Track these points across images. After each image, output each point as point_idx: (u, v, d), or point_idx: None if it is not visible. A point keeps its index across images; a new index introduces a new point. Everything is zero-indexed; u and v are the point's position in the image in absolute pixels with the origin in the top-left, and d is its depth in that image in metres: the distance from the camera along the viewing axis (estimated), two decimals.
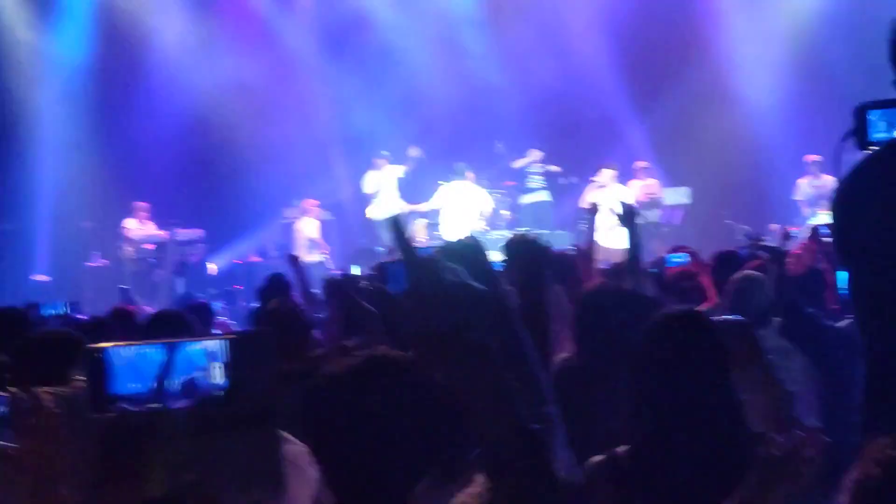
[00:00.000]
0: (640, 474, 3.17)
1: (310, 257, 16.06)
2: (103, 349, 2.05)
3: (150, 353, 2.04)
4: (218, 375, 2.03)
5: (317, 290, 8.21)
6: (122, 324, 6.29)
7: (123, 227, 17.02)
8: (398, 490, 2.23)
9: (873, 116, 3.17)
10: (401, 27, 19.41)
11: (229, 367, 2.03)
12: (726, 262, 7.44)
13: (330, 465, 2.24)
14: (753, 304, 5.87)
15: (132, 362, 2.03)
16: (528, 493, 2.22)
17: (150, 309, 10.51)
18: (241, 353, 2.03)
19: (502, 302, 2.48)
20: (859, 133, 3.17)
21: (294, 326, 5.48)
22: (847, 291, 4.72)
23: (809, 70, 17.91)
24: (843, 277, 5.07)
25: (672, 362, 3.23)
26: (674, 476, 3.11)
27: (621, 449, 3.27)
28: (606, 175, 17.14)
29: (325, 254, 17.50)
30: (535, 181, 18.28)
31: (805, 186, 16.90)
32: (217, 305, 12.33)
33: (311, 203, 17.82)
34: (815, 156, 16.48)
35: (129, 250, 16.82)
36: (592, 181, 17.06)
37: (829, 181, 16.01)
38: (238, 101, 18.40)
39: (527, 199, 18.34)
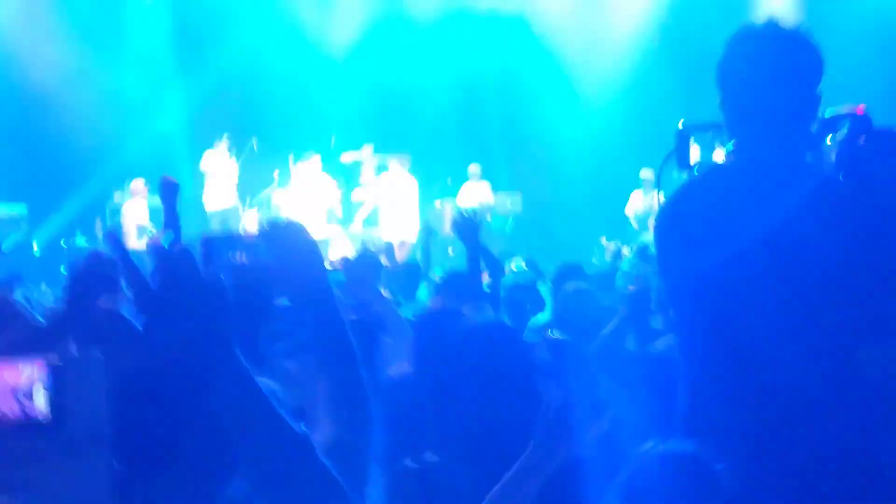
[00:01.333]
0: (446, 477, 3.24)
1: (138, 244, 15.66)
2: None
3: None
4: (41, 400, 1.93)
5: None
6: None
7: None
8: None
9: (694, 139, 3.27)
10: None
11: (54, 396, 1.92)
12: (569, 272, 7.54)
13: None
14: (585, 317, 5.93)
15: None
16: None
17: None
18: (65, 378, 1.93)
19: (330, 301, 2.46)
20: (680, 154, 3.27)
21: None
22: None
23: (653, 79, 18.35)
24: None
25: (477, 367, 3.31)
26: (475, 480, 3.19)
27: (430, 455, 3.35)
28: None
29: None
30: (367, 178, 18.05)
31: (637, 201, 17.29)
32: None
33: (139, 184, 17.00)
34: (649, 170, 16.65)
35: None
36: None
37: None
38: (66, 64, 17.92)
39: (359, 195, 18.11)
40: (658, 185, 3.32)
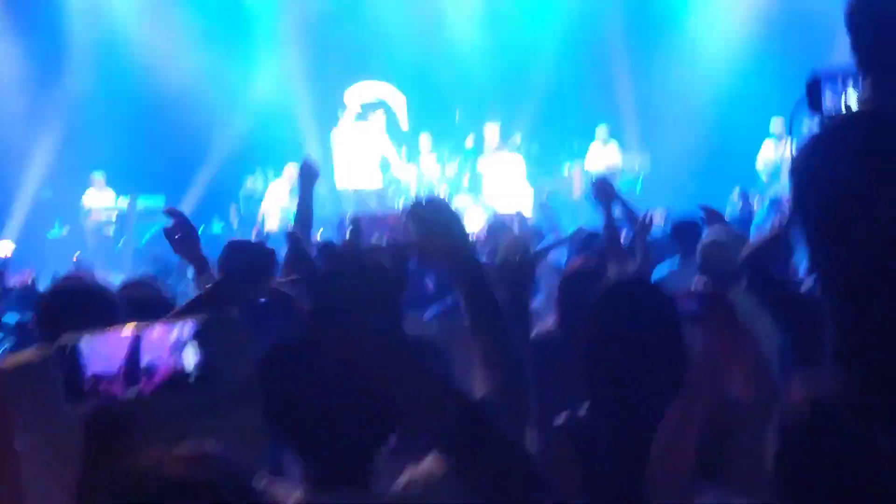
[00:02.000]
0: (598, 431, 3.26)
1: (277, 225, 16.01)
2: (75, 342, 2.02)
3: (122, 338, 2.01)
4: (191, 358, 2.00)
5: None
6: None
7: (83, 200, 16.90)
8: (359, 455, 2.29)
9: (825, 83, 3.22)
10: None
11: (202, 350, 1.99)
12: (687, 229, 7.54)
13: (284, 434, 2.30)
14: (722, 268, 5.89)
15: (102, 349, 2.01)
16: (483, 465, 2.15)
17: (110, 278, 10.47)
18: (213, 336, 2.00)
19: (478, 269, 2.51)
20: (811, 101, 3.22)
21: None
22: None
23: (777, 29, 17.99)
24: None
25: (619, 326, 3.31)
26: (627, 433, 3.20)
27: (582, 409, 3.35)
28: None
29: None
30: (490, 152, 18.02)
31: (768, 152, 17.01)
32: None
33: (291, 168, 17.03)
34: (780, 119, 16.45)
35: (90, 220, 16.70)
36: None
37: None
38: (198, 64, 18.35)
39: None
40: (790, 132, 3.24)
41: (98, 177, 17.05)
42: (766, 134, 16.99)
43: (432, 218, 2.50)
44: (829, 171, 2.96)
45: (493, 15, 19.43)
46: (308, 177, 5.96)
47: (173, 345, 2.00)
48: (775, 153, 16.74)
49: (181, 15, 18.65)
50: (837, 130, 3.04)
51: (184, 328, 2.00)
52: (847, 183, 2.91)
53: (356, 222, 2.47)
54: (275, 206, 16.86)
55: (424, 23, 19.13)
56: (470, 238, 2.59)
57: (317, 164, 6.08)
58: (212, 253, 14.48)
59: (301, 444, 2.31)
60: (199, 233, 14.73)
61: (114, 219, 16.82)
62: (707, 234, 6.30)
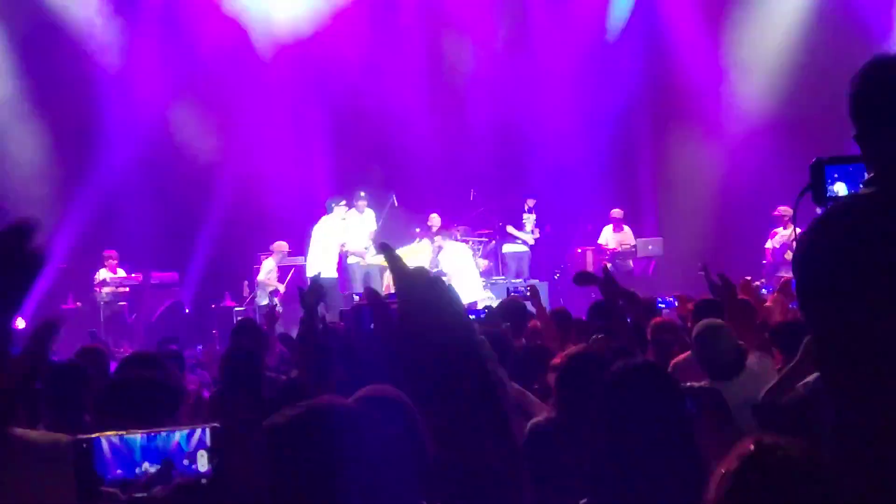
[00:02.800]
0: None
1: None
2: (92, 439, 2.00)
3: (136, 439, 2.00)
4: (203, 463, 1.98)
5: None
6: (92, 363, 6.27)
7: (97, 275, 17.00)
8: None
9: (830, 171, 3.24)
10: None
11: (214, 456, 1.98)
12: (707, 309, 7.48)
13: None
14: (718, 354, 5.91)
15: (118, 448, 2.00)
16: None
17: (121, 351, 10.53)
18: (226, 442, 1.98)
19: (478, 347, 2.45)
20: (816, 188, 3.24)
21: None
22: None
23: (787, 123, 18.10)
24: None
25: (630, 412, 3.29)
26: None
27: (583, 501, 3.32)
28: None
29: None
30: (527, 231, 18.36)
31: (775, 238, 17.07)
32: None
33: (279, 245, 17.44)
34: (785, 207, 16.59)
35: (103, 293, 16.77)
36: None
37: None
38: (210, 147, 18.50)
39: (508, 248, 18.43)
40: (794, 219, 3.26)
41: (110, 255, 17.15)
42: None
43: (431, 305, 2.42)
44: (827, 256, 2.96)
45: (502, 93, 19.52)
46: (315, 294, 6.07)
47: (186, 448, 1.99)
48: (780, 240, 16.82)
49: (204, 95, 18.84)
50: (836, 215, 3.05)
51: (198, 433, 1.99)
52: (843, 267, 2.91)
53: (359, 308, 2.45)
54: (265, 281, 17.03)
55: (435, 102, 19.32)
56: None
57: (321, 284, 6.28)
58: (223, 328, 14.37)
59: None
60: (212, 308, 14.67)
61: (126, 291, 16.86)
62: (701, 322, 6.24)
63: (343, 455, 2.16)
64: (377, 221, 17.35)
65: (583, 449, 4.11)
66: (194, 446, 1.99)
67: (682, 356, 6.76)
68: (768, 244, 17.22)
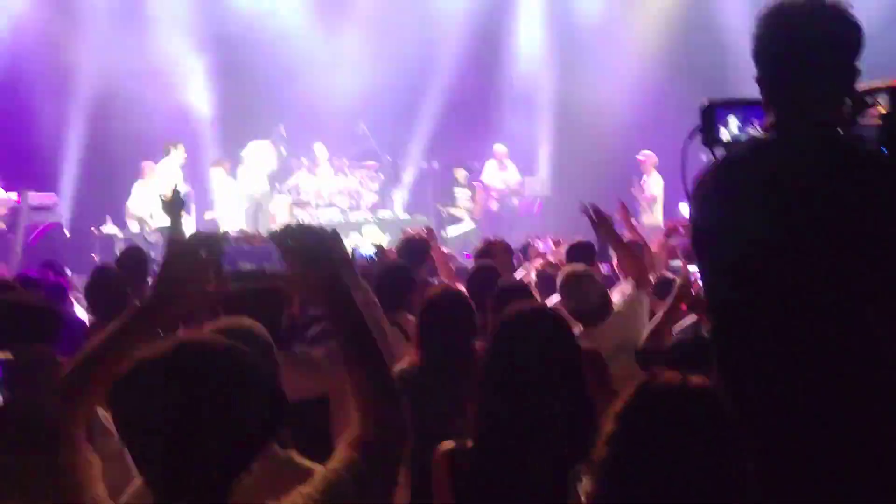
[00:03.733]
0: (481, 467, 3.22)
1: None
2: None
3: None
4: None
5: None
6: None
7: None
8: (212, 484, 2.12)
9: (720, 114, 3.25)
10: None
11: (6, 387, 1.89)
12: (581, 251, 7.61)
13: (137, 456, 2.14)
14: (583, 300, 5.98)
15: None
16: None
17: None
18: (17, 374, 1.90)
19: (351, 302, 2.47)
20: (707, 131, 3.24)
21: None
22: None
23: (676, 67, 18.32)
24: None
25: (519, 357, 3.29)
26: (513, 472, 3.17)
27: (468, 444, 3.32)
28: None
29: None
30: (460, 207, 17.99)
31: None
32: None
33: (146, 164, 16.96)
34: (648, 152, 16.94)
35: None
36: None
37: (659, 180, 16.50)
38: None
39: (452, 231, 17.93)
40: (683, 161, 3.26)
41: None
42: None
43: (303, 248, 2.44)
44: (729, 200, 2.98)
45: (390, 23, 19.32)
46: (175, 205, 5.99)
47: None
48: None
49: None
50: (738, 159, 3.06)
51: None
52: (746, 211, 2.93)
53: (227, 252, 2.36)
54: (136, 208, 16.63)
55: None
56: (343, 264, 2.54)
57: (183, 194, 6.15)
58: (104, 253, 14.08)
59: (152, 473, 2.14)
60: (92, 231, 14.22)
61: (3, 212, 16.33)
62: (563, 270, 6.40)
63: (210, 394, 2.09)
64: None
65: (455, 392, 4.14)
66: None
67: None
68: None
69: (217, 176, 17.09)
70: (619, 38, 19.56)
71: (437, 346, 4.61)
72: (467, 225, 17.89)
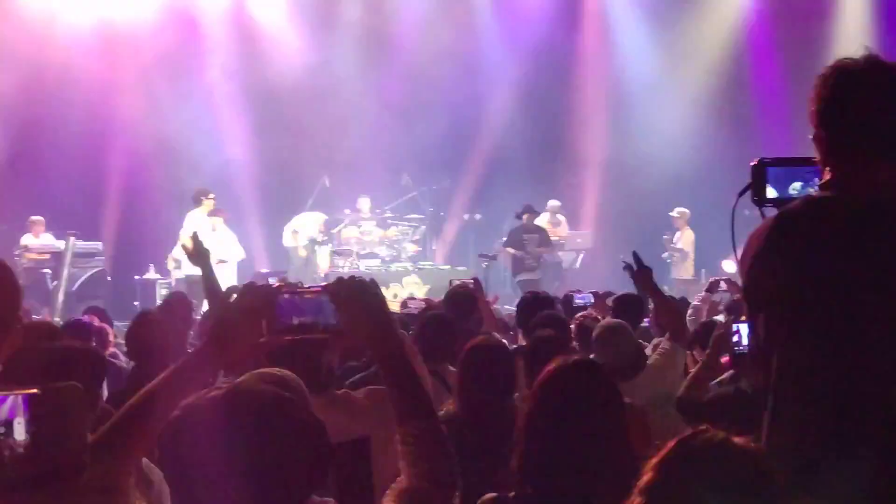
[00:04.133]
0: None
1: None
2: None
3: None
4: (20, 431, 1.89)
5: None
6: None
7: (22, 239, 16.67)
8: None
9: (771, 173, 3.22)
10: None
11: (31, 423, 1.89)
12: (629, 304, 7.56)
13: (187, 500, 2.16)
14: (618, 355, 5.94)
15: None
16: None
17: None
18: (45, 408, 1.89)
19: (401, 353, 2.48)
20: (757, 189, 3.22)
21: None
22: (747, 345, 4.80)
23: (723, 122, 18.33)
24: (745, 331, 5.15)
25: (564, 408, 3.27)
26: None
27: (511, 494, 3.28)
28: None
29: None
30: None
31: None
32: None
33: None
34: (682, 209, 17.00)
35: (25, 258, 16.42)
36: None
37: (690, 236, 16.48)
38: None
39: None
40: (732, 219, 3.23)
41: (37, 220, 16.81)
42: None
43: (355, 299, 2.44)
44: (783, 260, 2.94)
45: (439, 75, 19.37)
46: (200, 254, 5.91)
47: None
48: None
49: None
50: (792, 217, 3.02)
51: (13, 399, 1.89)
52: (801, 272, 2.90)
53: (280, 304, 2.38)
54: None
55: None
56: (391, 318, 2.54)
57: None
58: (146, 299, 14.23)
59: None
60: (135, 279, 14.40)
61: (48, 258, 16.50)
62: (600, 324, 6.40)
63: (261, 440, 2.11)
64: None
65: (493, 444, 4.12)
66: (9, 414, 1.88)
67: None
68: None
69: (213, 223, 16.80)
70: (668, 93, 19.56)
71: (476, 396, 4.59)
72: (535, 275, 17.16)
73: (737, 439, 2.21)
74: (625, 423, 3.37)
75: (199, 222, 16.08)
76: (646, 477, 2.20)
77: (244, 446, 2.09)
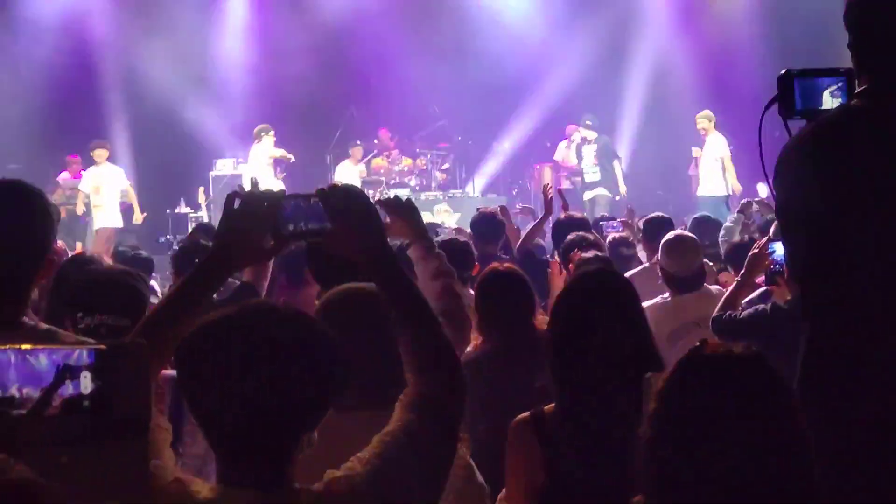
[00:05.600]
0: (566, 431, 3.20)
1: None
2: None
3: (10, 358, 1.86)
4: (87, 384, 1.90)
5: None
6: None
7: (58, 180, 16.82)
8: (276, 445, 2.16)
9: (799, 84, 3.17)
10: None
11: (98, 377, 1.90)
12: (657, 225, 7.58)
13: (201, 417, 2.17)
14: (685, 265, 5.93)
15: None
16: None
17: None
18: (111, 363, 1.91)
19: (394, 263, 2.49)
20: (785, 101, 3.17)
21: None
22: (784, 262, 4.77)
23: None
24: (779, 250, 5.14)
25: (587, 316, 3.27)
26: (598, 433, 3.14)
27: (547, 407, 3.30)
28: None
29: None
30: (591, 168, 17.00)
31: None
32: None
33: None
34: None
35: (57, 194, 16.49)
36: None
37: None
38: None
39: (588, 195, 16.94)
40: (759, 133, 3.18)
41: (74, 160, 16.92)
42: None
43: (346, 206, 2.43)
44: (821, 171, 2.90)
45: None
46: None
47: (70, 370, 1.90)
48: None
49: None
50: (828, 128, 2.97)
51: (81, 353, 1.90)
52: (841, 182, 2.86)
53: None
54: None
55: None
56: (379, 221, 2.51)
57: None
58: (178, 232, 14.28)
59: (214, 434, 2.17)
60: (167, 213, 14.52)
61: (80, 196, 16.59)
62: (673, 232, 6.42)
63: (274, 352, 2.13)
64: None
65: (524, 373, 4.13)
66: (77, 365, 1.89)
67: (636, 269, 7.15)
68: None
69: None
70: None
71: (495, 324, 4.58)
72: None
73: (737, 348, 2.21)
74: (646, 326, 3.39)
75: (260, 157, 16.40)
76: (660, 384, 2.21)
77: (254, 358, 2.11)
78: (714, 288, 6.08)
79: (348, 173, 16.84)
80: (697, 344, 2.25)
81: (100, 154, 15.87)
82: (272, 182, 15.67)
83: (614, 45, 18.66)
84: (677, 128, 17.33)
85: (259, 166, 15.95)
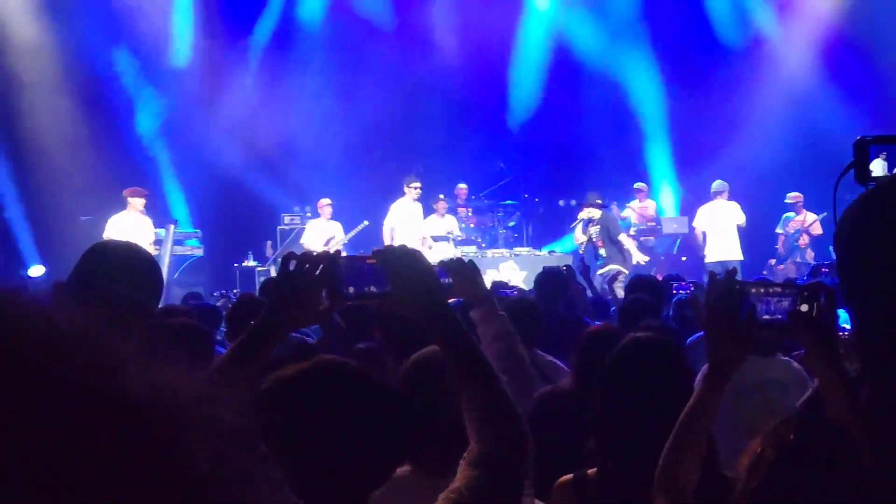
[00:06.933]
0: (606, 495, 3.19)
1: None
2: None
3: None
4: None
5: None
6: None
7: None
8: (356, 490, 2.22)
9: (875, 151, 3.13)
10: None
11: None
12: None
13: (287, 468, 2.19)
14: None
15: None
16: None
17: None
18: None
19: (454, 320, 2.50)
20: (859, 167, 3.13)
21: None
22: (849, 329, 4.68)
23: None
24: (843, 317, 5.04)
25: (637, 385, 3.29)
26: (638, 498, 3.12)
27: (591, 470, 3.31)
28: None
29: None
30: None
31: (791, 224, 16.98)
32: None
33: (323, 203, 17.46)
34: (795, 193, 16.66)
35: None
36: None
37: (810, 218, 16.08)
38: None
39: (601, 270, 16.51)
40: (834, 199, 3.14)
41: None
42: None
43: (402, 268, 2.45)
44: (873, 233, 2.85)
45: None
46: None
47: None
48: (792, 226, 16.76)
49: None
50: (883, 192, 2.93)
51: None
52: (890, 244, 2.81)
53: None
54: (313, 243, 16.80)
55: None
56: (438, 282, 2.54)
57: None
58: (245, 286, 14.46)
59: (298, 479, 2.20)
60: (234, 266, 14.60)
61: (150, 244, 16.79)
62: None
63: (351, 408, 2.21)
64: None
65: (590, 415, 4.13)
66: None
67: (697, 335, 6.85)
68: (779, 229, 16.96)
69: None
70: (770, 59, 19.14)
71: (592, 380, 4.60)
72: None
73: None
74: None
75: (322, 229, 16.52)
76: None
77: (333, 413, 2.18)
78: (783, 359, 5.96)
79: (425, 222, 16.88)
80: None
81: (134, 202, 15.73)
82: None
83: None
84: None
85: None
